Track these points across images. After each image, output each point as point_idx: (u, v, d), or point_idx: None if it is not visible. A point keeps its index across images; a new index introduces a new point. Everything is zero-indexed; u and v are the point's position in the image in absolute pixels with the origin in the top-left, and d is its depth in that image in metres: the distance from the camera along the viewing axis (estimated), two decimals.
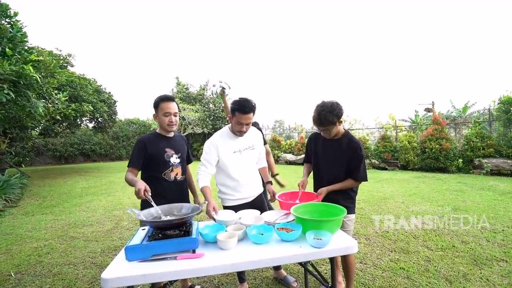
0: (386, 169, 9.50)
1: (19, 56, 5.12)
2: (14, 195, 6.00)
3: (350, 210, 1.91)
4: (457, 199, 4.80)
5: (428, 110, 11.84)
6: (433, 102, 10.40)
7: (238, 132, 1.89)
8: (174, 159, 1.87)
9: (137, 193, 1.49)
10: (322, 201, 1.83)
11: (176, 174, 1.88)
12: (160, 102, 1.83)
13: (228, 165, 1.92)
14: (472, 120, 9.95)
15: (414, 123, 15.89)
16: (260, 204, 2.09)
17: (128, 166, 1.78)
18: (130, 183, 1.65)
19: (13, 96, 4.69)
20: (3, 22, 5.22)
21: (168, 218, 1.46)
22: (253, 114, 1.85)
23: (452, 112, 15.36)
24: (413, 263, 2.55)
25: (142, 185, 1.52)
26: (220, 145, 1.90)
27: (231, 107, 1.86)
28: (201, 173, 1.89)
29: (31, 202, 5.86)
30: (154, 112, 1.88)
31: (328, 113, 1.73)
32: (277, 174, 2.97)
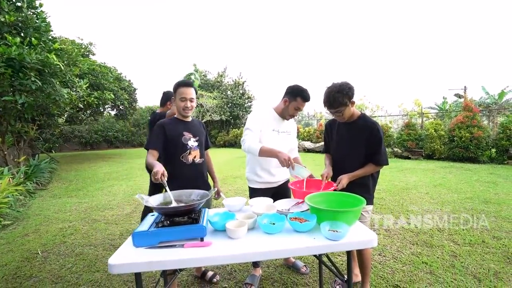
0: (409, 158, 9.06)
1: (44, 46, 5.28)
2: (44, 179, 6.38)
3: (367, 201, 1.80)
4: (488, 191, 4.46)
5: (458, 96, 11.04)
6: (465, 87, 9.64)
7: (289, 116, 1.98)
8: (192, 142, 1.91)
9: (154, 175, 1.48)
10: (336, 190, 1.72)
11: (194, 157, 1.91)
12: (178, 87, 1.88)
13: (264, 141, 1.94)
14: (509, 107, 9.14)
15: (441, 110, 14.91)
16: (285, 191, 2.12)
17: (148, 148, 1.82)
18: (149, 165, 1.65)
19: (40, 84, 4.88)
20: (29, 12, 5.39)
21: (174, 204, 1.42)
22: None
23: (486, 99, 14.22)
24: (437, 257, 2.39)
25: (161, 168, 1.51)
26: (264, 119, 1.97)
27: (290, 91, 1.90)
28: (249, 138, 1.87)
29: (59, 186, 6.20)
30: (173, 97, 1.93)
31: (336, 94, 1.70)
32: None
